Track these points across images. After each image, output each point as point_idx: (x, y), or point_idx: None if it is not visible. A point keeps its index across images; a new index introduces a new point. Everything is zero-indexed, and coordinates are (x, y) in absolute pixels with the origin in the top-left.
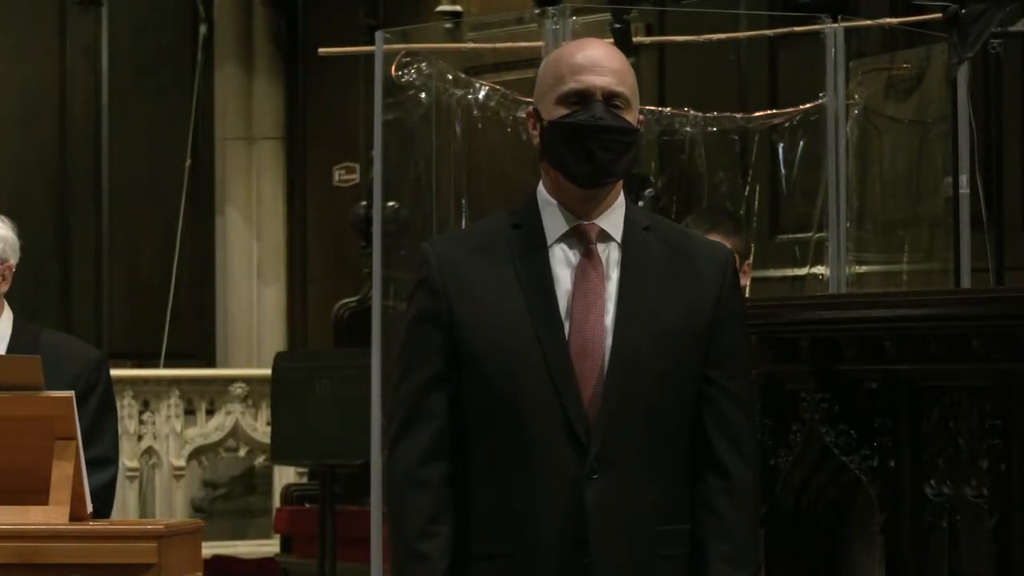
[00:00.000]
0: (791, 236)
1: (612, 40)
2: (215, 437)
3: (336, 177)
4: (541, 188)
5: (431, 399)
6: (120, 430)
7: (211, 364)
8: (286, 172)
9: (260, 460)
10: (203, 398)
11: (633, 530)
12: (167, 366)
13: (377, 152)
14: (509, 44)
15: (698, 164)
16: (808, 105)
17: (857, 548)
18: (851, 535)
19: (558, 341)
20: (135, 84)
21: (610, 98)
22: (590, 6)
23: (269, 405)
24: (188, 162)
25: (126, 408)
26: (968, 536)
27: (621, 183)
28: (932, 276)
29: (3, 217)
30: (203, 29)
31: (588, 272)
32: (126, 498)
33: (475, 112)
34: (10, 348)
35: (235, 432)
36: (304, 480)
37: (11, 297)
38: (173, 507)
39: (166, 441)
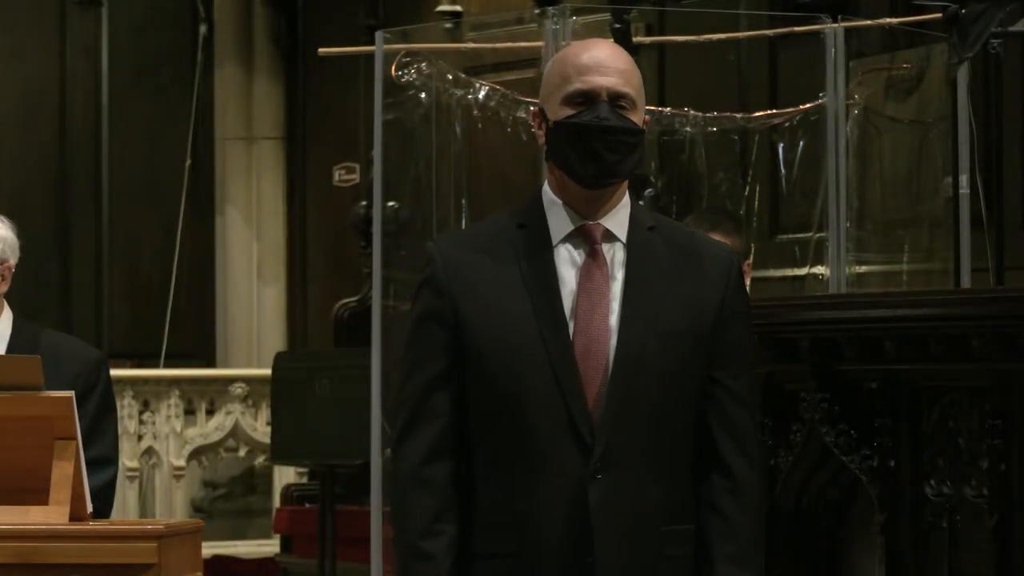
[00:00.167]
0: (791, 236)
1: (612, 40)
2: (215, 437)
3: (336, 177)
4: (546, 188)
5: (435, 398)
6: (120, 430)
7: (211, 364)
8: (286, 172)
9: (260, 460)
10: (203, 398)
11: (637, 530)
12: (167, 366)
13: (377, 152)
14: (509, 44)
15: (698, 164)
16: (808, 105)
17: (857, 548)
18: (851, 535)
19: (562, 341)
20: (135, 84)
21: (615, 99)
22: (590, 6)
23: (269, 405)
24: (188, 162)
25: (126, 408)
26: (968, 536)
27: (626, 183)
28: (932, 276)
29: (3, 217)
30: (203, 29)
31: (593, 272)
32: (126, 498)
33: (475, 112)
34: (10, 348)
35: (235, 432)
36: (304, 480)
37: (11, 297)
38: (173, 507)
39: (166, 441)
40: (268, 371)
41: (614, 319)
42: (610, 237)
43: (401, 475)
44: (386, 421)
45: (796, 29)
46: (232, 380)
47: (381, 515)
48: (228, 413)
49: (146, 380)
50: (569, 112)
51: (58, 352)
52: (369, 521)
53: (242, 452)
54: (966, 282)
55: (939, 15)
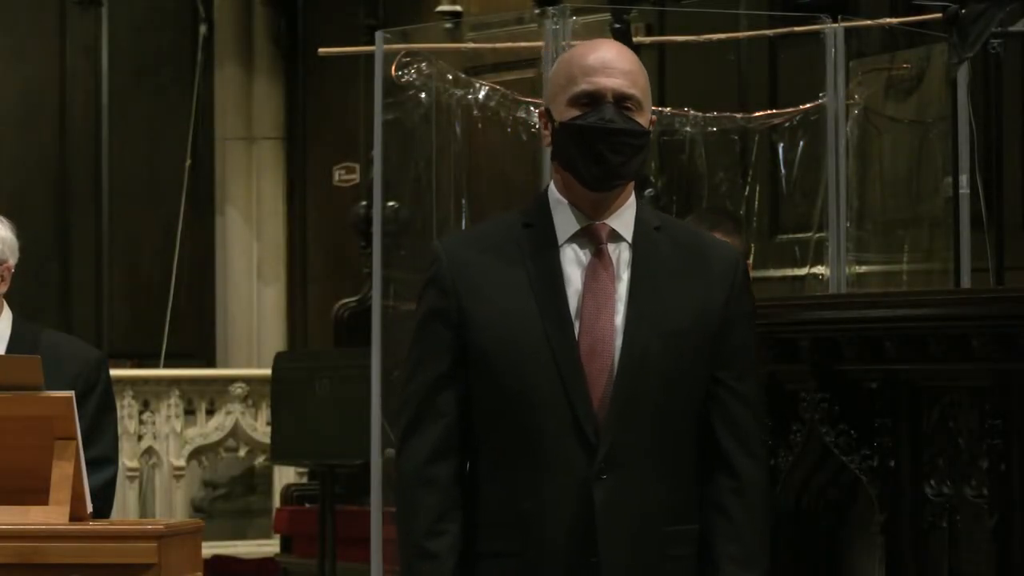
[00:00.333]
0: (791, 236)
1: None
2: (215, 437)
3: (336, 177)
4: (552, 187)
5: (439, 397)
6: (120, 430)
7: (211, 364)
8: (286, 172)
9: (260, 460)
10: (203, 398)
11: (641, 530)
12: (167, 366)
13: (377, 152)
14: (509, 44)
15: (698, 164)
16: (808, 105)
17: (857, 548)
18: (851, 535)
19: (568, 341)
20: (135, 84)
21: (621, 100)
22: (590, 6)
23: (269, 405)
24: (188, 162)
25: (126, 408)
26: (968, 536)
27: (632, 183)
28: (932, 276)
29: (2, 218)
30: (203, 29)
31: (599, 272)
32: (126, 498)
33: (475, 112)
34: (10, 348)
35: (235, 432)
36: (304, 480)
37: (11, 297)
38: (173, 507)
39: (166, 441)
40: (268, 371)
41: (619, 319)
42: (616, 237)
43: (405, 474)
44: (386, 421)
45: (796, 29)
46: (232, 380)
47: (381, 515)
48: (228, 413)
49: (146, 380)
50: (575, 113)
51: (58, 352)
52: (369, 521)
53: (242, 452)
54: (966, 282)
55: (939, 15)
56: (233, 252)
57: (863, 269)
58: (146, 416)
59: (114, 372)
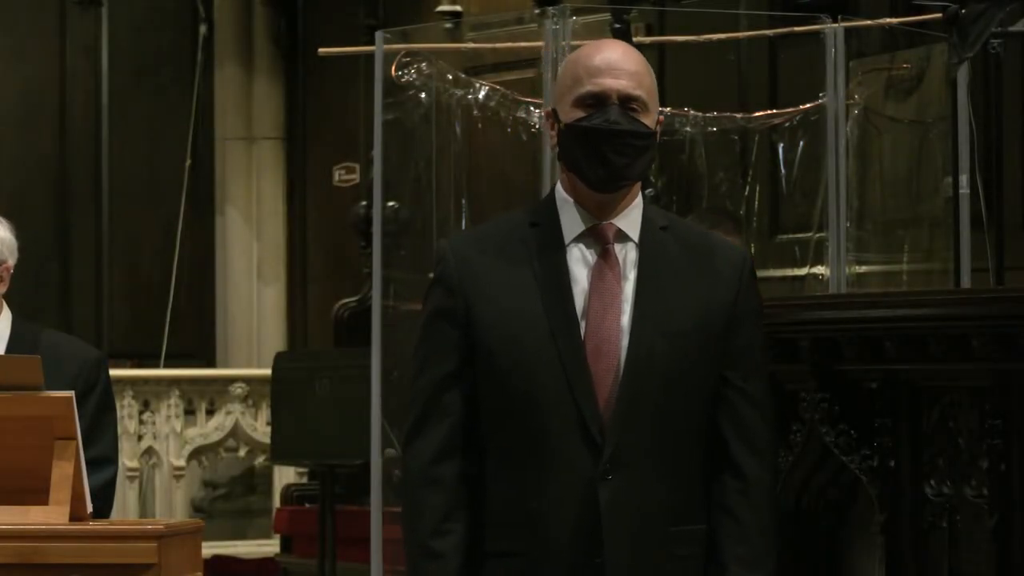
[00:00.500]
0: (791, 236)
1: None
2: (215, 437)
3: (336, 177)
4: (559, 187)
5: (445, 397)
6: (120, 430)
7: (211, 364)
8: (286, 172)
9: (260, 460)
10: (203, 398)
11: (647, 531)
12: (167, 366)
13: (377, 152)
14: (509, 44)
15: (698, 164)
16: (808, 105)
17: (857, 548)
18: (851, 535)
19: (574, 341)
20: (135, 84)
21: (626, 101)
22: (590, 6)
23: (269, 405)
24: (188, 162)
25: (126, 408)
26: (968, 536)
27: (639, 183)
28: (932, 276)
29: (1, 218)
30: (203, 29)
31: (605, 272)
32: (126, 498)
33: (475, 112)
34: (9, 348)
35: (235, 432)
36: (304, 480)
37: (11, 297)
38: (173, 507)
39: (166, 441)
40: (268, 371)
41: (626, 319)
42: (622, 237)
43: (411, 474)
44: (386, 421)
45: (796, 29)
46: (232, 380)
47: (381, 515)
48: (228, 413)
49: (146, 380)
50: (580, 114)
51: (58, 352)
52: (369, 521)
53: (242, 452)
54: (966, 282)
55: (939, 15)
56: (233, 252)
57: (863, 269)
58: (146, 416)
59: (114, 372)
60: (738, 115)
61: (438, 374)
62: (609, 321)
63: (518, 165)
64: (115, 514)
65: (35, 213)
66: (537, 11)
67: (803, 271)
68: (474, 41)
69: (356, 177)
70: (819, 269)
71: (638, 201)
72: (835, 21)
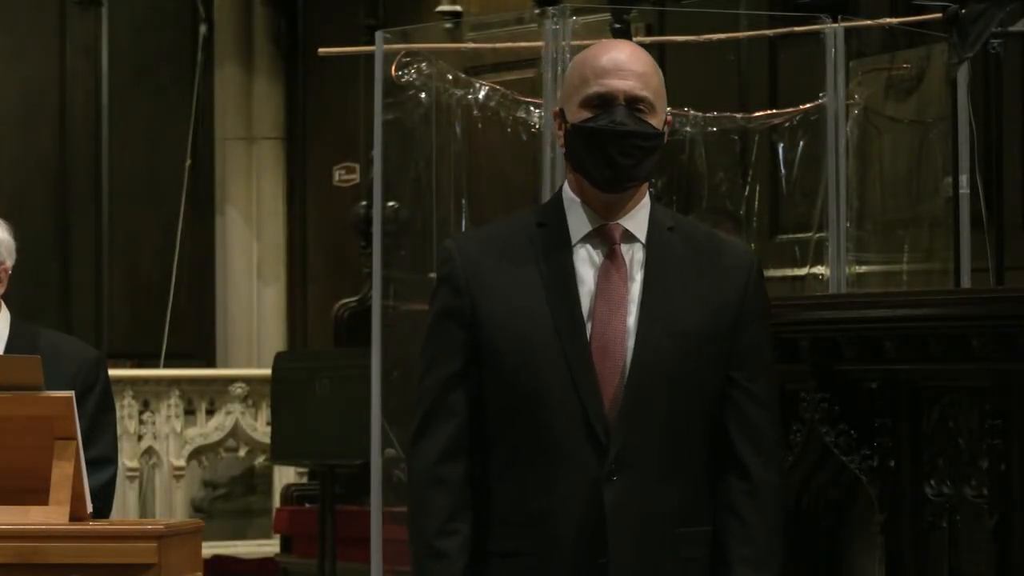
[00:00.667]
0: (791, 236)
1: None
2: (215, 437)
3: (336, 177)
4: (566, 187)
5: (451, 397)
6: (120, 430)
7: (211, 364)
8: (286, 172)
9: (260, 460)
10: (203, 398)
11: (652, 531)
12: (167, 366)
13: (377, 152)
14: (509, 44)
15: (698, 164)
16: (808, 105)
17: (857, 548)
18: (851, 535)
19: (580, 342)
20: (135, 84)
21: (633, 102)
22: (590, 6)
23: (269, 405)
24: (188, 162)
25: (126, 408)
26: (968, 536)
27: (647, 183)
28: (932, 276)
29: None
30: (203, 29)
31: (611, 273)
32: (126, 498)
33: (475, 112)
34: (8, 348)
35: (235, 432)
36: (304, 480)
37: (10, 297)
38: (173, 507)
39: (166, 441)
40: (268, 371)
41: (632, 320)
42: (629, 237)
43: (417, 474)
44: (386, 421)
45: (796, 29)
46: (232, 380)
47: (381, 515)
48: (228, 413)
49: (146, 380)
50: (586, 115)
51: (56, 352)
52: (369, 521)
53: (242, 452)
54: (966, 282)
55: (939, 15)
56: (233, 252)
57: (863, 269)
58: (146, 416)
59: (114, 372)
60: (738, 115)
61: (444, 374)
62: (615, 322)
63: (518, 165)
64: (115, 514)
65: (35, 213)
66: (537, 11)
67: (803, 271)
68: (474, 41)
69: (356, 177)
70: (819, 269)
71: (645, 201)
72: (835, 21)
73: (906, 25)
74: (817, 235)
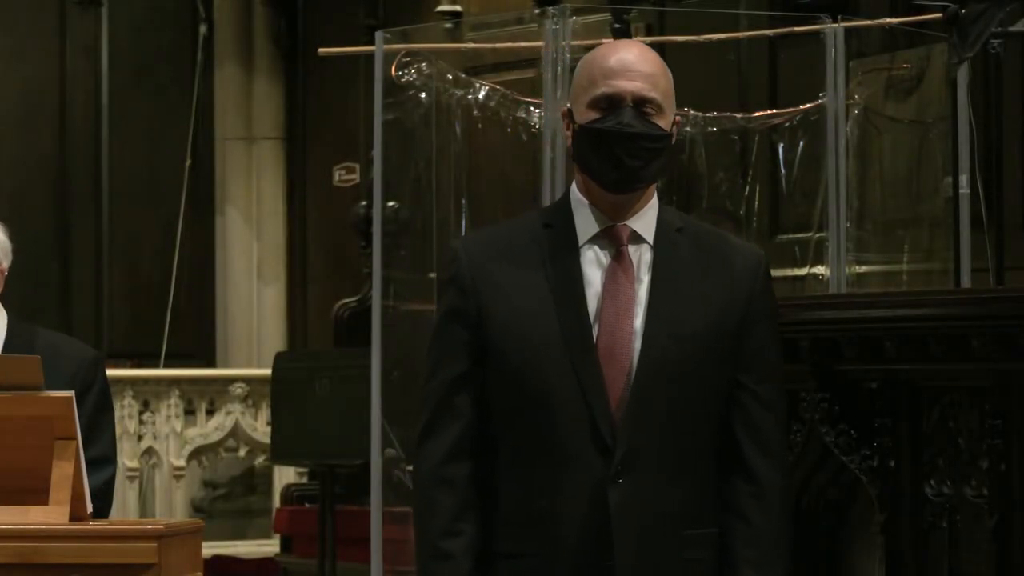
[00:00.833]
0: (791, 236)
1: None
2: (215, 437)
3: (336, 177)
4: (574, 188)
5: (457, 398)
6: (119, 430)
7: (211, 364)
8: (286, 172)
9: (260, 460)
10: (203, 398)
11: (657, 533)
12: (167, 366)
13: (377, 152)
14: (509, 44)
15: (698, 164)
16: (808, 105)
17: (857, 548)
18: (851, 535)
19: (586, 343)
20: (135, 84)
21: (641, 104)
22: (590, 6)
23: (269, 405)
24: (188, 162)
25: (126, 408)
26: (968, 536)
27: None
28: (932, 276)
29: None
30: (203, 29)
31: (618, 275)
32: (126, 498)
33: (475, 112)
34: (5, 348)
35: (235, 432)
36: (304, 480)
37: (10, 297)
38: (173, 507)
39: (166, 441)
40: (268, 371)
41: (639, 322)
42: (637, 238)
43: (422, 475)
44: (386, 421)
45: (796, 29)
46: (232, 380)
47: (381, 515)
48: (228, 413)
49: (146, 380)
50: (594, 116)
51: (54, 352)
52: (369, 521)
53: (242, 452)
54: (966, 282)
55: (939, 15)
56: (233, 252)
57: (863, 269)
58: (146, 416)
59: (114, 372)
60: (738, 115)
61: (450, 376)
62: (622, 324)
63: (518, 165)
64: (115, 514)
65: (35, 213)
66: (537, 11)
67: (803, 271)
68: (474, 41)
69: (356, 177)
70: (819, 269)
71: (653, 202)
72: (835, 21)
73: (906, 25)
74: (817, 235)
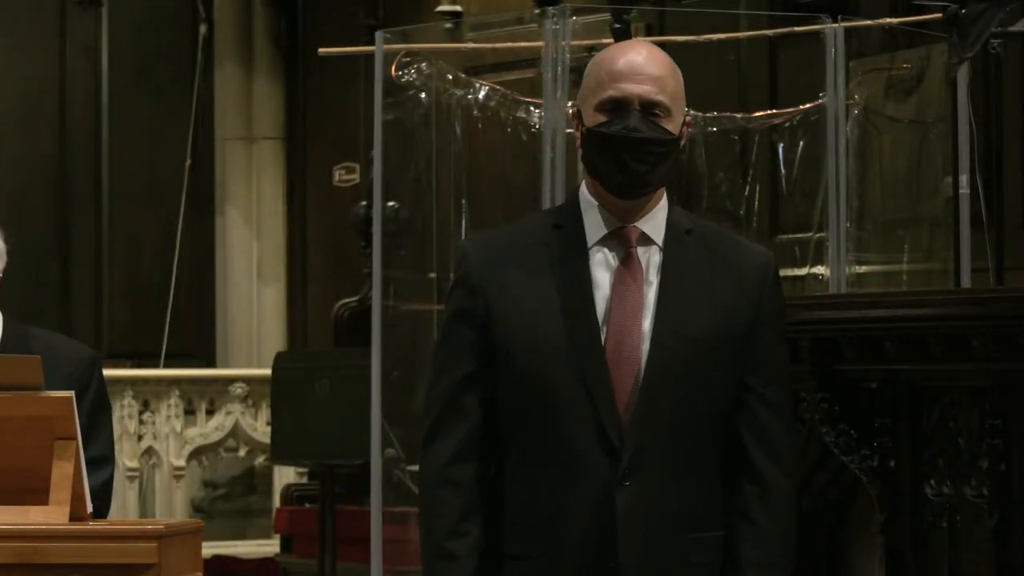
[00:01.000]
0: (791, 236)
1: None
2: (215, 437)
3: (336, 177)
4: (584, 189)
5: (464, 399)
6: (120, 430)
7: (211, 364)
8: (286, 172)
9: (260, 460)
10: (203, 398)
11: (664, 536)
12: (167, 366)
13: (377, 152)
14: (509, 44)
15: (698, 164)
16: (808, 105)
17: (857, 548)
18: (851, 535)
19: (594, 345)
20: (135, 84)
21: (648, 107)
22: (590, 6)
23: (269, 405)
24: (188, 162)
25: (126, 408)
26: (968, 536)
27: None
28: (932, 276)
29: None
30: (203, 29)
31: (626, 277)
32: (126, 498)
33: (475, 112)
34: (2, 349)
35: (235, 432)
36: (304, 480)
37: (9, 298)
38: (173, 507)
39: (166, 441)
40: (268, 371)
41: (647, 324)
42: (646, 240)
43: (428, 476)
44: (386, 421)
45: (796, 29)
46: (232, 380)
47: (381, 515)
48: (228, 413)
49: (146, 380)
50: (601, 119)
51: (52, 352)
52: (369, 521)
53: (242, 452)
54: (966, 282)
55: (939, 15)
56: (233, 252)
57: (863, 269)
58: (146, 416)
59: (114, 372)
60: (738, 115)
61: (456, 376)
62: (630, 326)
63: (518, 165)
64: (115, 514)
65: (35, 213)
66: (537, 11)
67: (803, 271)
68: (474, 41)
69: (356, 177)
70: (819, 269)
71: (663, 203)
72: (835, 21)
73: (906, 25)
74: (817, 235)
